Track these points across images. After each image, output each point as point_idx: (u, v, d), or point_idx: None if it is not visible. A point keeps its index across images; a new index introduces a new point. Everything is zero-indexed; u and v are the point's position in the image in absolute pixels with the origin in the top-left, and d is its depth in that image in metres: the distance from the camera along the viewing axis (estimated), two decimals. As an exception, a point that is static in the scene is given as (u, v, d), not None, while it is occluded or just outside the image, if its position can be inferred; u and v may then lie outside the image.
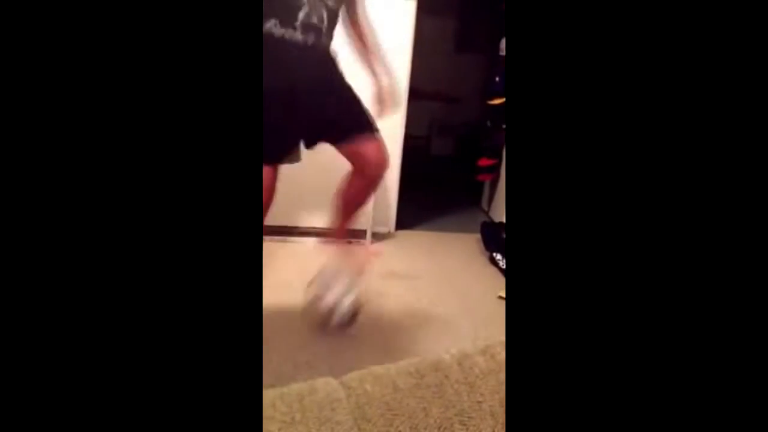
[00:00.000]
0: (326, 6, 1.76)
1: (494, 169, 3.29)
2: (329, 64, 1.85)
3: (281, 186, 2.60)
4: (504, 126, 3.18)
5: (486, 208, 3.56)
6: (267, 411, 0.57)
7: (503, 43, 3.30)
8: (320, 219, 2.73)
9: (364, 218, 2.78)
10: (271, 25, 1.70)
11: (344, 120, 1.91)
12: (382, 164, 1.92)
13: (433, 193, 3.99)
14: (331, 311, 1.73)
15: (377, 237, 2.89)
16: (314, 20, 1.74)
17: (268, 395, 0.59)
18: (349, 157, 1.93)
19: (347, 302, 1.74)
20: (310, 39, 1.74)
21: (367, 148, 1.90)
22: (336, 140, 1.92)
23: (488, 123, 3.29)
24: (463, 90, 4.78)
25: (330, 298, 1.74)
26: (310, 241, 2.73)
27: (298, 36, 1.72)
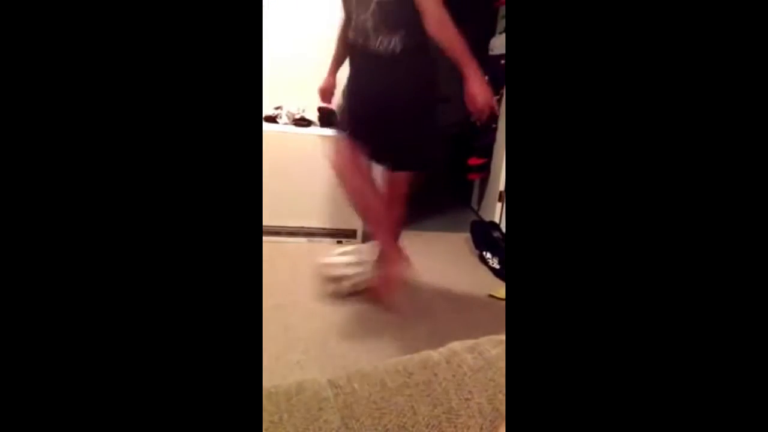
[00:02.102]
0: (380, 2, 1.54)
1: (484, 168, 3.30)
2: (387, 67, 1.61)
3: (272, 186, 2.60)
4: (493, 125, 3.19)
5: (476, 207, 3.57)
6: (254, 411, 0.57)
7: (492, 42, 3.31)
8: (309, 219, 2.72)
9: (355, 217, 2.77)
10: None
11: (401, 148, 1.76)
12: (406, 197, 1.88)
13: (424, 192, 3.99)
14: (339, 279, 1.94)
15: (368, 236, 2.89)
16: (360, 20, 1.60)
17: (256, 395, 0.59)
18: (387, 184, 1.88)
19: (355, 278, 1.94)
20: (360, 40, 1.61)
21: (401, 183, 1.83)
22: (389, 165, 1.85)
23: (477, 122, 3.30)
24: (451, 89, 4.79)
25: (342, 270, 1.93)
26: (300, 241, 2.72)
27: (354, 37, 1.64)
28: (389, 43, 1.58)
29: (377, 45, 1.59)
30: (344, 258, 1.96)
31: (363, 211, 1.96)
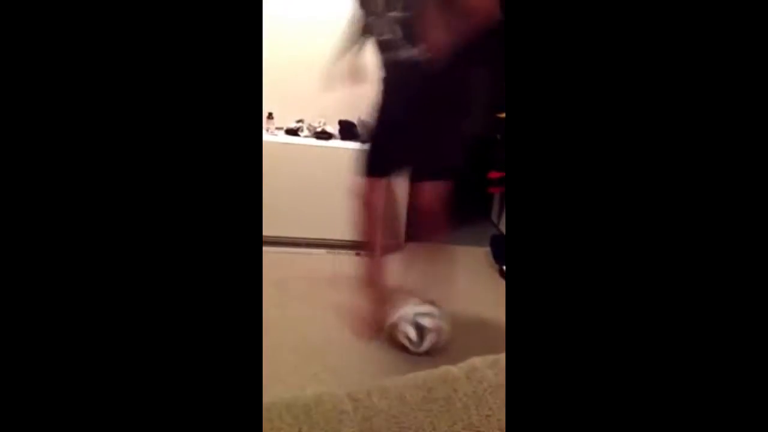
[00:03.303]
0: (395, 17, 1.61)
1: (504, 182, 3.29)
2: (414, 75, 1.63)
3: (293, 198, 2.62)
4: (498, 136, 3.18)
5: (496, 221, 3.54)
6: (273, 422, 0.57)
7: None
8: (329, 231, 2.73)
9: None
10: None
11: (419, 155, 1.77)
12: (435, 221, 1.82)
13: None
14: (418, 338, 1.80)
15: (386, 249, 2.88)
16: (387, 35, 1.66)
17: (275, 407, 0.59)
18: (415, 198, 1.87)
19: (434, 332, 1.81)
20: (390, 56, 1.69)
21: (423, 193, 1.80)
22: (411, 175, 1.86)
23: (498, 136, 3.29)
24: (471, 103, 4.79)
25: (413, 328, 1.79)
26: (320, 253, 2.73)
27: (381, 54, 1.71)
28: (413, 53, 1.62)
29: (403, 55, 1.64)
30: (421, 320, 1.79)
31: (366, 241, 2.02)
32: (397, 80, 1.74)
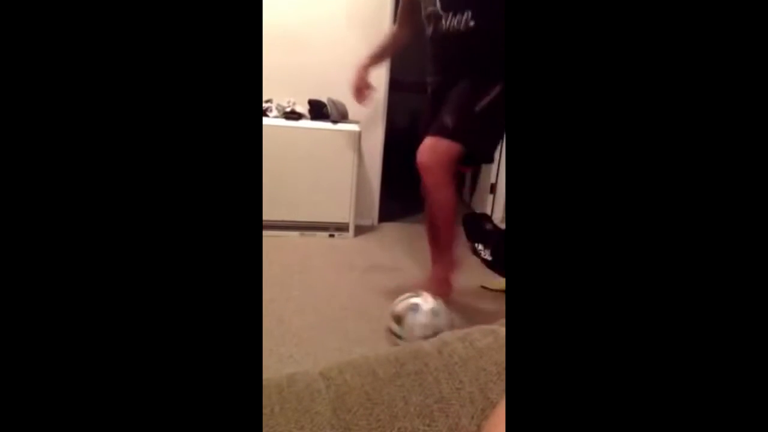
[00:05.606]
0: None
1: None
2: (461, 42, 1.59)
3: (263, 179, 2.58)
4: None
5: (468, 200, 3.58)
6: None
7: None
8: (301, 212, 2.71)
9: (346, 210, 2.77)
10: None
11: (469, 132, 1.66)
12: (425, 169, 1.68)
13: (416, 185, 4.00)
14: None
15: (360, 229, 2.89)
16: (430, 8, 1.64)
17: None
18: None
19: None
20: (431, 28, 1.66)
21: (422, 147, 1.67)
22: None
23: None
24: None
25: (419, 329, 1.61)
26: (292, 235, 2.71)
27: (427, 27, 1.67)
28: (460, 21, 1.58)
29: (448, 25, 1.60)
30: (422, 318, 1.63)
31: (445, 220, 1.84)
32: (442, 52, 1.69)
